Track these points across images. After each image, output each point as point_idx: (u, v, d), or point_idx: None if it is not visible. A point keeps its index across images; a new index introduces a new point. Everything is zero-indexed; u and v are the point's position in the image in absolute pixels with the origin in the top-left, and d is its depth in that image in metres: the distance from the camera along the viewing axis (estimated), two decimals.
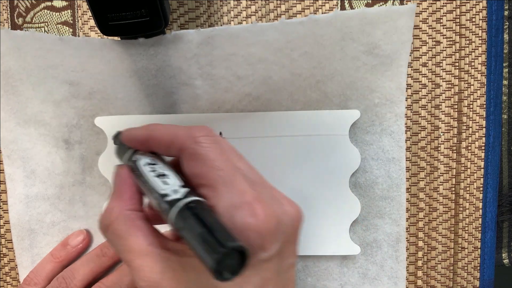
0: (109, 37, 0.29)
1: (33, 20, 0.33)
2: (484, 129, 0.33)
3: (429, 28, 0.32)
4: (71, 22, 0.33)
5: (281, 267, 0.19)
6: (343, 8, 0.32)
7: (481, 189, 0.33)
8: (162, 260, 0.19)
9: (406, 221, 0.32)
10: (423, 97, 0.33)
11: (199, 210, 0.18)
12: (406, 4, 0.32)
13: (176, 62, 0.30)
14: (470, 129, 0.33)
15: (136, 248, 0.19)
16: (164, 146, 0.21)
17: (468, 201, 0.33)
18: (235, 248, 0.16)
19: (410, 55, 0.32)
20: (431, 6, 0.32)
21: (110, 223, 0.21)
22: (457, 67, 0.32)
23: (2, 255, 0.34)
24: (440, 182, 0.33)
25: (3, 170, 0.32)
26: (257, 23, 0.29)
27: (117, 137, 0.26)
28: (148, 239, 0.20)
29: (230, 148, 0.21)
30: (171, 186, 0.20)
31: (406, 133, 0.32)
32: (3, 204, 0.34)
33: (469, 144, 0.33)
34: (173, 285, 0.18)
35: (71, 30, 0.33)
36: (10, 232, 0.33)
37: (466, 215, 0.33)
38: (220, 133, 0.31)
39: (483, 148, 0.33)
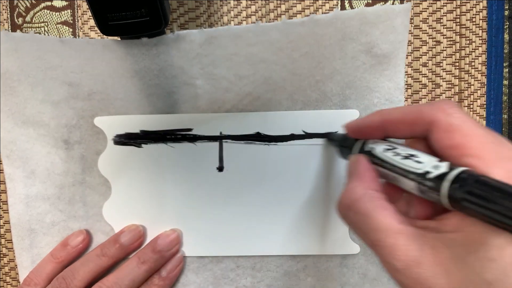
0: (110, 37, 0.29)
1: (33, 20, 0.33)
2: None
3: (429, 28, 0.32)
4: (71, 22, 0.33)
5: None
6: (343, 7, 0.32)
7: None
8: (418, 237, 0.18)
9: None
10: (423, 97, 0.32)
11: (477, 177, 0.17)
12: (405, 3, 0.31)
13: (179, 62, 0.30)
14: None
15: (387, 226, 0.18)
16: (407, 126, 0.21)
17: None
18: None
19: (410, 55, 0.32)
20: (431, 6, 0.32)
21: (354, 202, 0.20)
22: (457, 67, 0.32)
23: (2, 255, 0.34)
24: None
25: (3, 170, 0.32)
26: (260, 23, 0.29)
27: (332, 138, 0.27)
28: (397, 217, 0.19)
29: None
30: (427, 163, 0.19)
31: None
32: (3, 204, 0.34)
33: None
34: (435, 261, 0.17)
35: (71, 30, 0.33)
36: (10, 232, 0.33)
37: None
38: (220, 133, 0.31)
39: None
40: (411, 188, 0.20)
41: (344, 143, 0.26)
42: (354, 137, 0.25)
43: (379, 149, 0.22)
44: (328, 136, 0.31)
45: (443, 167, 0.18)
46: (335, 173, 0.31)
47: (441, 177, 0.18)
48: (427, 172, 0.19)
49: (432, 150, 0.20)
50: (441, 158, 0.19)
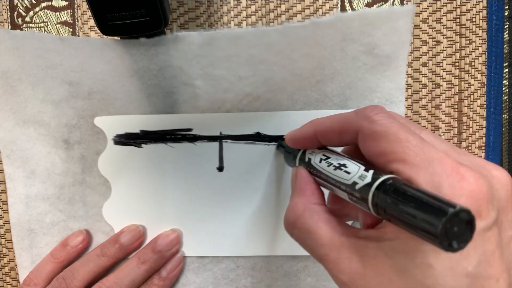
0: (109, 37, 0.29)
1: (33, 20, 0.33)
2: (484, 129, 0.33)
3: (429, 28, 0.32)
4: (71, 22, 0.33)
5: (502, 239, 0.17)
6: (343, 7, 0.32)
7: None
8: (360, 248, 0.18)
9: None
10: (423, 97, 0.32)
11: (400, 186, 0.16)
12: (406, 4, 0.31)
13: (177, 62, 0.30)
14: (470, 129, 0.33)
15: (329, 240, 0.18)
16: (336, 135, 0.21)
17: None
18: (461, 210, 0.14)
19: (410, 55, 0.32)
20: (431, 6, 0.32)
21: (296, 219, 0.20)
22: (457, 67, 0.32)
23: (2, 255, 0.34)
24: None
25: (3, 170, 0.32)
26: (260, 27, 0.29)
27: (281, 145, 0.27)
28: (339, 230, 0.19)
29: (407, 120, 0.20)
30: (355, 173, 0.19)
31: None
32: (3, 204, 0.34)
33: (469, 144, 0.33)
34: (378, 272, 0.17)
35: (71, 30, 0.33)
36: (10, 232, 0.33)
37: None
38: (220, 133, 0.31)
39: (483, 148, 0.33)
40: (346, 199, 0.20)
41: (289, 150, 0.26)
42: (293, 147, 0.25)
43: (315, 159, 0.22)
44: (277, 142, 0.31)
45: (368, 177, 0.18)
46: None
47: (367, 187, 0.18)
48: (355, 183, 0.19)
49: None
50: (372, 164, 0.19)
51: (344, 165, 0.20)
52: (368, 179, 0.18)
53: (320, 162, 0.22)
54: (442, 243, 0.14)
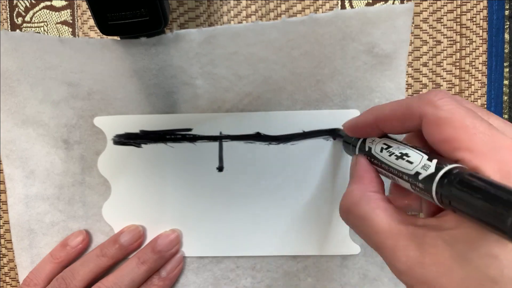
0: (109, 37, 0.29)
1: (33, 20, 0.33)
2: None
3: (429, 28, 0.32)
4: (71, 21, 0.33)
5: None
6: (343, 7, 0.32)
7: None
8: (418, 237, 0.17)
9: None
10: None
11: (465, 176, 0.16)
12: (406, 3, 0.31)
13: (178, 62, 0.30)
14: None
15: (386, 228, 0.18)
16: (399, 122, 0.20)
17: None
18: None
19: (411, 55, 0.32)
20: (431, 5, 0.32)
21: (352, 205, 0.20)
22: (458, 67, 0.32)
23: (1, 255, 0.34)
24: None
25: (3, 170, 0.32)
26: (259, 22, 0.29)
27: (339, 135, 0.27)
28: (396, 218, 0.18)
29: (474, 105, 0.19)
30: (418, 163, 0.18)
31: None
32: (2, 204, 0.34)
33: None
34: (437, 260, 0.16)
35: (70, 29, 0.33)
36: (10, 232, 0.33)
37: None
38: (220, 133, 0.31)
39: None
40: (409, 189, 0.20)
41: (348, 139, 0.26)
42: (352, 135, 0.25)
43: (376, 148, 0.22)
44: (334, 133, 0.30)
45: (432, 167, 0.18)
46: (335, 173, 0.31)
47: (431, 177, 0.17)
48: (418, 173, 0.18)
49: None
50: (436, 152, 0.19)
51: (406, 155, 0.20)
52: (432, 169, 0.17)
53: (381, 151, 0.21)
54: (511, 236, 0.13)
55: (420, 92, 0.32)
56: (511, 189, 0.14)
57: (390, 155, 0.21)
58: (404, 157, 0.20)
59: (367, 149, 0.23)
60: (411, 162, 0.19)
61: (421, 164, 0.18)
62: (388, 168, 0.21)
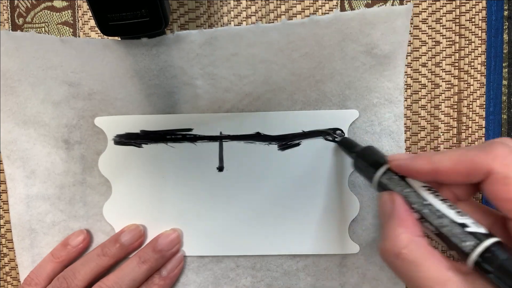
0: (110, 37, 0.29)
1: (34, 20, 0.33)
2: (483, 129, 0.33)
3: (428, 29, 0.32)
4: (72, 22, 0.33)
5: None
6: (342, 8, 0.32)
7: None
8: (467, 284, 0.18)
9: None
10: (422, 97, 0.33)
11: (504, 257, 0.17)
12: (405, 4, 0.32)
13: (178, 62, 0.30)
14: (470, 129, 0.33)
15: (437, 274, 0.18)
16: (461, 177, 0.20)
17: None
18: None
19: (410, 55, 0.32)
20: (430, 6, 0.32)
21: (401, 249, 0.19)
22: (457, 67, 0.32)
23: (2, 255, 0.34)
24: None
25: (4, 170, 0.32)
26: (260, 24, 0.29)
27: (361, 158, 0.26)
28: (445, 265, 0.19)
29: None
30: (468, 217, 0.19)
31: (405, 133, 0.32)
32: (3, 204, 0.34)
33: (469, 144, 0.33)
34: None
35: (71, 30, 0.33)
36: (11, 232, 0.33)
37: None
38: (220, 133, 0.31)
39: None
40: (444, 236, 0.20)
41: (366, 158, 0.26)
42: (399, 173, 0.24)
43: (419, 185, 0.22)
44: (343, 142, 0.30)
45: (483, 228, 0.18)
46: (334, 173, 0.31)
47: (479, 236, 0.18)
48: (465, 225, 0.18)
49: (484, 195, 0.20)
50: (494, 206, 0.19)
51: (453, 205, 0.20)
52: (482, 229, 0.18)
53: (424, 190, 0.21)
54: None
55: (419, 92, 0.32)
56: None
57: (435, 197, 0.21)
58: (452, 206, 0.20)
59: (405, 187, 0.22)
60: (463, 214, 0.19)
61: (473, 220, 0.19)
62: (428, 208, 0.20)
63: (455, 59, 0.32)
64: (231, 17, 0.33)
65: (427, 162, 0.21)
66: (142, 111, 0.31)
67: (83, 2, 0.33)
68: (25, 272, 0.32)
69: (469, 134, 0.33)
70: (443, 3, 0.32)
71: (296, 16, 0.32)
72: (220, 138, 0.31)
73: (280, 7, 0.32)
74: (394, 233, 0.20)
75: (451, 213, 0.20)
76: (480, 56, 0.32)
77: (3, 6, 0.33)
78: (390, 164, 0.24)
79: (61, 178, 0.32)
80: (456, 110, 0.33)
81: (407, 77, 0.32)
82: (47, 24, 0.33)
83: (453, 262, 0.19)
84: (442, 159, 0.21)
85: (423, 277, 0.18)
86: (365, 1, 0.32)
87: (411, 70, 0.32)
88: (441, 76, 0.32)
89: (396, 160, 0.23)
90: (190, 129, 0.31)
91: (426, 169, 0.22)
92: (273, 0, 0.32)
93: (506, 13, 0.32)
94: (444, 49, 0.32)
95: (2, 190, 0.34)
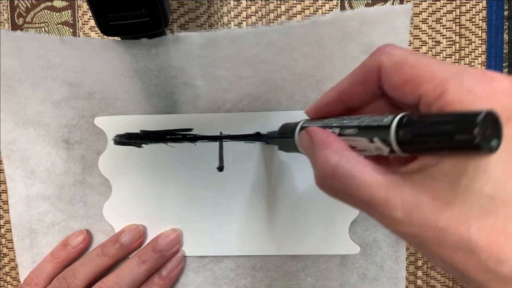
0: (110, 37, 0.29)
1: (33, 20, 0.33)
2: None
3: (429, 28, 0.32)
4: (72, 22, 0.33)
5: None
6: (343, 8, 0.32)
7: None
8: (407, 182, 0.17)
9: None
10: None
11: (420, 117, 0.16)
12: (405, 4, 0.32)
13: (178, 63, 0.30)
14: None
15: (373, 181, 0.18)
16: (361, 87, 0.20)
17: None
18: (488, 113, 0.14)
19: None
20: (431, 6, 0.32)
21: (334, 169, 0.19)
22: None
23: (2, 255, 0.34)
24: None
25: (3, 170, 0.32)
26: (260, 27, 0.29)
27: (271, 137, 0.27)
28: (380, 170, 0.18)
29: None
30: (370, 118, 0.18)
31: None
32: (3, 204, 0.34)
33: None
34: (432, 197, 0.16)
35: (71, 30, 0.33)
36: (11, 232, 0.33)
37: None
38: (220, 133, 0.31)
39: None
40: (367, 149, 0.19)
41: (284, 133, 0.26)
42: (317, 116, 0.24)
43: (326, 121, 0.22)
44: (264, 137, 0.31)
45: (387, 117, 0.18)
46: None
47: (386, 126, 0.17)
48: (372, 126, 0.18)
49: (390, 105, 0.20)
50: (399, 102, 0.19)
51: (359, 118, 0.20)
52: (386, 118, 0.18)
53: (324, 120, 0.21)
54: (484, 147, 0.14)
55: None
56: (464, 111, 0.15)
57: (341, 119, 0.21)
58: (359, 117, 0.20)
59: (307, 124, 0.23)
60: (362, 117, 0.19)
61: (375, 117, 0.19)
62: (347, 130, 0.20)
63: (455, 59, 0.32)
64: (231, 17, 0.33)
65: (331, 91, 0.22)
66: (142, 111, 0.31)
67: (83, 2, 0.33)
68: (25, 272, 0.32)
69: None
70: (443, 3, 0.32)
71: (296, 16, 0.32)
72: (220, 138, 0.31)
73: (280, 7, 0.32)
74: (321, 158, 0.20)
75: (366, 115, 0.20)
76: (480, 56, 0.32)
77: (3, 6, 0.33)
78: (306, 113, 0.24)
79: (61, 178, 0.32)
80: None
81: None
82: (47, 24, 0.33)
83: (387, 167, 0.18)
84: (342, 81, 0.21)
85: (362, 188, 0.18)
86: (365, 0, 0.32)
87: None
88: None
89: (309, 108, 0.23)
90: (190, 129, 0.31)
91: (333, 97, 0.22)
92: (273, 0, 0.32)
93: (506, 13, 0.32)
94: (444, 49, 0.32)
95: (2, 190, 0.34)
